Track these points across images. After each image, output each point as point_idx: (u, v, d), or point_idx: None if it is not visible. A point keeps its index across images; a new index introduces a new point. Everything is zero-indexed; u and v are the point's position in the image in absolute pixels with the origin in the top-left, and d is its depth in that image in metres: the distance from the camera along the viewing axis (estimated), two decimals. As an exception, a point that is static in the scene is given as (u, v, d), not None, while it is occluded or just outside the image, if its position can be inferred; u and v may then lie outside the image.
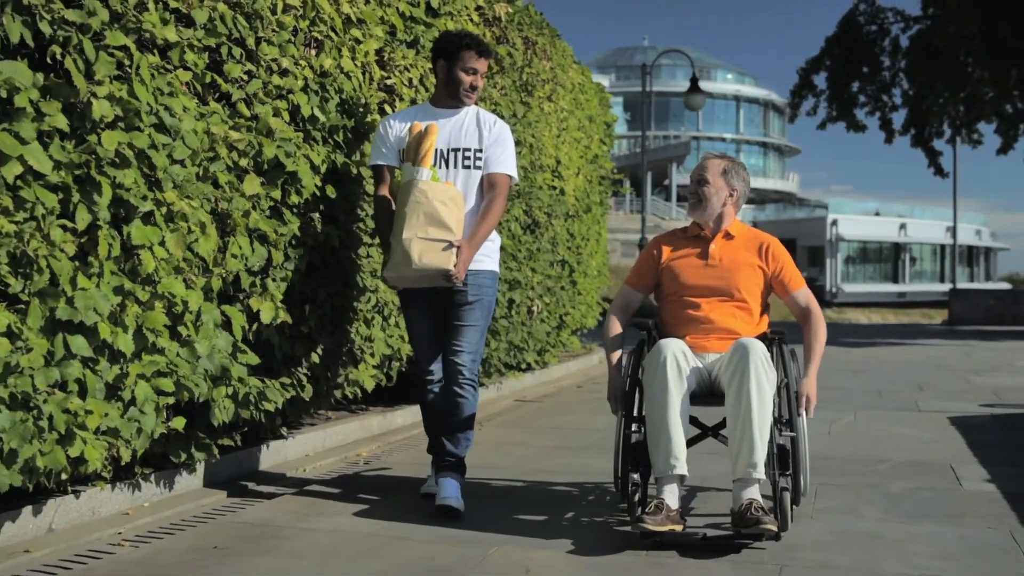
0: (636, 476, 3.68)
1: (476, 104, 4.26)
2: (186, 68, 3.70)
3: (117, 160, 3.28)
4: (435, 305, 4.16)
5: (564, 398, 7.94)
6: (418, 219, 3.88)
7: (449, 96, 4.17)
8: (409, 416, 6.18)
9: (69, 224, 3.17)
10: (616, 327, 4.06)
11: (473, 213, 4.08)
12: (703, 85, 22.98)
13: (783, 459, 3.58)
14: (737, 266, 3.93)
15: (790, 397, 3.68)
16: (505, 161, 4.14)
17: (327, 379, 4.92)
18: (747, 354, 3.55)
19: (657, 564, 3.28)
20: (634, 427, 3.79)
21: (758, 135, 73.15)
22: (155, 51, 3.56)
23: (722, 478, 4.24)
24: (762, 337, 3.85)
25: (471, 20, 6.15)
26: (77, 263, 3.24)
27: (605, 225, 11.12)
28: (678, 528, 3.39)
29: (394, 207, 4.07)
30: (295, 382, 4.58)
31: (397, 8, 5.25)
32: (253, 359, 4.17)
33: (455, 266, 3.88)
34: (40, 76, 3.06)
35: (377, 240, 4.96)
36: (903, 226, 56.00)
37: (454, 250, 3.89)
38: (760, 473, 3.48)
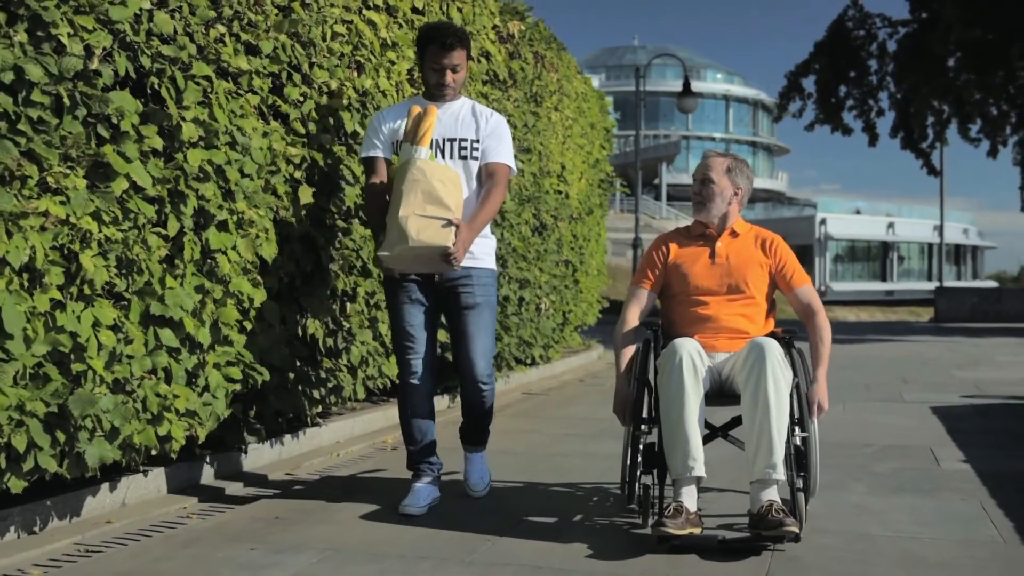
0: (647, 479, 3.65)
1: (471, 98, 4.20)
2: (254, 92, 4.17)
3: (200, 175, 3.76)
4: (435, 305, 4.08)
5: (568, 391, 8.37)
6: (416, 196, 3.76)
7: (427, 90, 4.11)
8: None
9: (161, 231, 3.64)
10: (630, 327, 3.95)
11: (470, 203, 3.98)
12: (693, 84, 23.43)
13: (799, 460, 3.57)
14: (745, 264, 3.90)
15: (800, 397, 3.65)
16: (503, 152, 4.07)
17: (363, 371, 5.37)
18: (764, 354, 3.51)
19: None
20: (643, 428, 3.72)
21: (747, 134, 73.55)
22: (229, 78, 4.03)
23: (723, 463, 4.69)
24: (771, 336, 3.83)
25: (488, 38, 6.63)
26: (165, 265, 3.71)
27: (604, 226, 11.61)
28: (697, 531, 3.36)
29: (387, 197, 3.94)
30: (336, 373, 5.03)
31: (425, 31, 5.71)
32: (302, 352, 4.62)
33: (454, 244, 3.77)
34: (138, 103, 3.52)
35: None
36: (891, 225, 56.50)
37: (453, 228, 3.77)
38: (779, 474, 3.43)
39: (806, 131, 23.13)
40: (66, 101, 3.15)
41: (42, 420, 3.17)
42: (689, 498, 3.45)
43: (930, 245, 56.80)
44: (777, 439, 3.43)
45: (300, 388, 4.69)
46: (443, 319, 4.24)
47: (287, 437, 5.04)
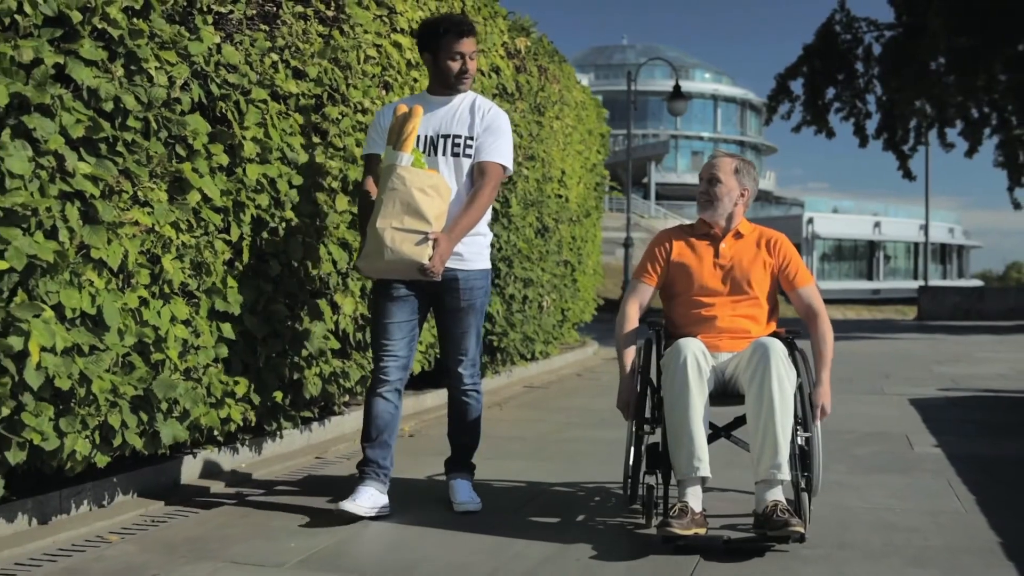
0: (651, 479, 3.67)
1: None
2: (300, 112, 4.64)
3: (257, 187, 4.24)
4: (422, 304, 3.98)
5: (568, 385, 8.84)
6: (394, 207, 3.65)
7: (442, 86, 3.95)
8: (437, 399, 6.98)
9: (226, 237, 4.13)
10: (632, 323, 3.95)
11: (460, 200, 3.86)
12: (681, 84, 23.87)
13: (803, 460, 3.59)
14: (749, 264, 3.89)
15: (802, 397, 3.67)
16: (498, 150, 3.91)
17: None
18: (768, 354, 3.53)
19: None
20: (646, 428, 3.74)
21: (735, 134, 73.87)
22: (280, 100, 4.51)
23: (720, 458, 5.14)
24: (773, 336, 3.83)
25: (498, 54, 7.12)
26: (226, 267, 4.18)
27: (600, 227, 12.13)
28: (702, 531, 3.38)
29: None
30: (364, 365, 5.50)
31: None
32: (335, 344, 5.09)
33: (430, 259, 3.66)
34: (208, 125, 4.00)
35: None
36: (878, 224, 57.03)
37: (430, 243, 3.65)
38: (784, 474, 3.45)
39: (793, 132, 23.61)
40: (153, 125, 3.64)
41: (129, 402, 3.64)
42: (694, 498, 3.48)
43: (916, 244, 57.28)
44: (782, 439, 3.46)
45: (333, 378, 5.14)
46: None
47: (314, 424, 5.48)
